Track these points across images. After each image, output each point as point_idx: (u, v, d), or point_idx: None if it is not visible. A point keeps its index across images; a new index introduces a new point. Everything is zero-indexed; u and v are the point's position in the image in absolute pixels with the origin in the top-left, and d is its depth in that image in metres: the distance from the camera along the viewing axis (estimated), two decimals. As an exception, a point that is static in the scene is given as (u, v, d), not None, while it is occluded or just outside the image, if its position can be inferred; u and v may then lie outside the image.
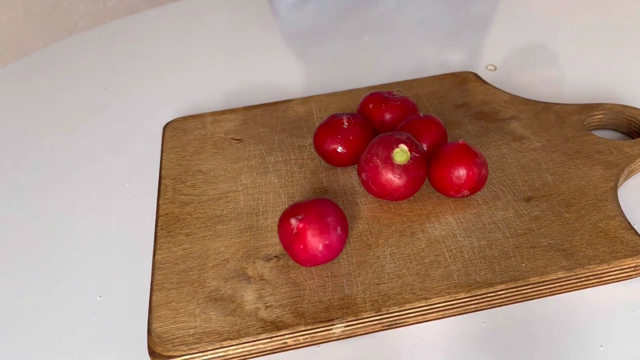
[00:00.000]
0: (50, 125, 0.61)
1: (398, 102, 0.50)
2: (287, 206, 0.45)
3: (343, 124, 0.47)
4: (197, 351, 0.37)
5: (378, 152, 0.43)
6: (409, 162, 0.43)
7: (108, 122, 0.61)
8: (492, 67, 0.63)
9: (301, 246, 0.39)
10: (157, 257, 0.43)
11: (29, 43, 1.35)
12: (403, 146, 0.43)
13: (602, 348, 0.37)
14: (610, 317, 0.39)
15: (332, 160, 0.48)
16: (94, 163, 0.56)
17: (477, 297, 0.39)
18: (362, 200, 0.46)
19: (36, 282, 0.45)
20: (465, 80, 0.59)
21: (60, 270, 0.46)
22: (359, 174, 0.44)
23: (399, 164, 0.43)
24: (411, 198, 0.46)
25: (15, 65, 0.73)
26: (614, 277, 0.40)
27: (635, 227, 0.44)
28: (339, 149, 0.47)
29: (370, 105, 0.50)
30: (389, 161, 0.43)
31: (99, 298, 0.43)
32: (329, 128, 0.48)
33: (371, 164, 0.43)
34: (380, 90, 0.53)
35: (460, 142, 0.44)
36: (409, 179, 0.43)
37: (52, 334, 0.41)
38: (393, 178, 0.43)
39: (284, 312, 0.38)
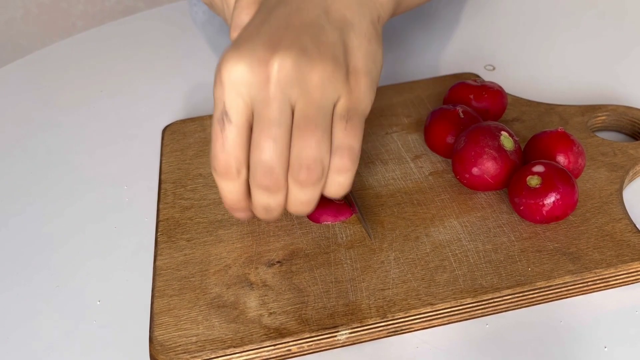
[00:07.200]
0: (47, 127, 0.61)
1: (495, 89, 0.51)
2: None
3: (459, 114, 0.48)
4: (200, 359, 0.36)
5: (487, 142, 0.43)
6: (514, 147, 0.44)
7: (106, 124, 0.61)
8: (491, 67, 0.63)
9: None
10: (158, 262, 0.43)
11: (27, 43, 1.35)
12: (505, 133, 0.44)
13: (605, 349, 0.37)
14: (614, 318, 0.39)
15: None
16: (92, 165, 0.55)
17: (484, 302, 0.38)
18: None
19: (34, 286, 0.44)
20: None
21: (58, 274, 0.45)
22: (467, 169, 0.44)
23: (510, 149, 0.43)
24: (414, 201, 0.45)
25: (13, 65, 0.72)
26: (620, 280, 0.40)
27: (641, 230, 0.44)
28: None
29: (471, 96, 0.50)
30: (502, 149, 0.43)
31: (98, 303, 0.43)
32: (445, 119, 0.48)
33: (485, 155, 0.43)
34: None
35: (559, 130, 0.44)
36: (520, 164, 0.44)
37: (51, 338, 0.41)
38: (508, 164, 0.43)
39: (287, 319, 0.38)
